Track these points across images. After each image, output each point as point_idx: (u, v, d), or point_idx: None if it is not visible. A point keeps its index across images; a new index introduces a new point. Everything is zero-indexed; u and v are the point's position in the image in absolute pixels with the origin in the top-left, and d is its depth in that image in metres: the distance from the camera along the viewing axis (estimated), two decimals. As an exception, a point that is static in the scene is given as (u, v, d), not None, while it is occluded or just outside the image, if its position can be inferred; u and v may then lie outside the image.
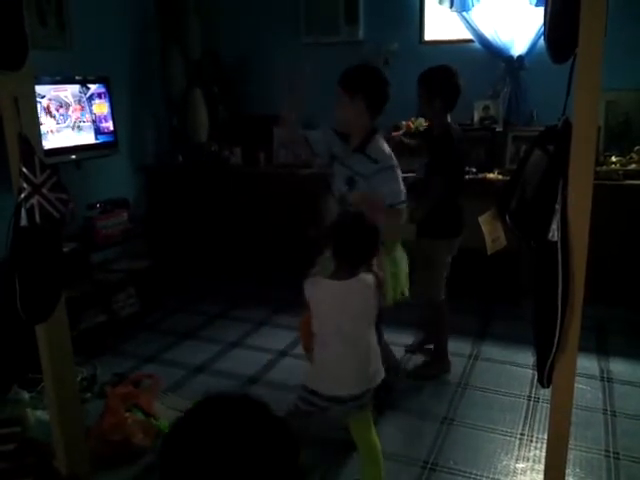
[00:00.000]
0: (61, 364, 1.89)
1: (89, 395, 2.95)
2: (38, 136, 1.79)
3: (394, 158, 2.52)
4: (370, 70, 2.57)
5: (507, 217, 1.40)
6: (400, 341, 3.42)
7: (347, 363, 1.99)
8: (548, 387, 1.37)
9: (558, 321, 1.24)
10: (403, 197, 2.51)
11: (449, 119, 2.95)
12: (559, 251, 1.23)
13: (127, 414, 2.57)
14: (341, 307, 1.98)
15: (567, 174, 1.25)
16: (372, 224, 1.99)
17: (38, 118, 1.81)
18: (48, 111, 3.45)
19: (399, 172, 2.53)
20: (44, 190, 1.68)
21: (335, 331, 1.98)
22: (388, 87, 2.52)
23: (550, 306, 1.26)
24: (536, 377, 1.47)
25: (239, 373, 3.18)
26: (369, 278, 2.00)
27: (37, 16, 3.52)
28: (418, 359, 3.32)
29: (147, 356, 3.40)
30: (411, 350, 3.40)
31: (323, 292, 2.00)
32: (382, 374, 2.09)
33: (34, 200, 1.66)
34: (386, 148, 2.53)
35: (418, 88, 2.91)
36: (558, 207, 1.24)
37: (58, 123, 3.53)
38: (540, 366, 1.36)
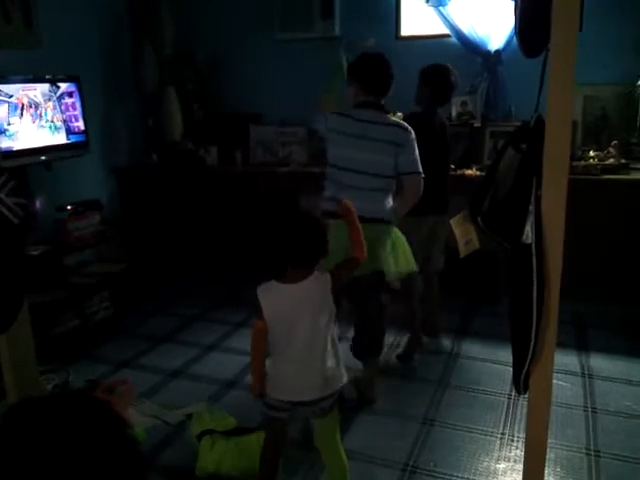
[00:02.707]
0: (25, 376, 1.82)
1: (61, 403, 2.87)
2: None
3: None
4: (363, 56, 2.79)
5: (479, 219, 1.35)
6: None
7: (305, 368, 1.93)
8: (524, 394, 1.33)
9: (533, 327, 1.20)
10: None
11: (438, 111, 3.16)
12: (534, 255, 1.18)
13: (100, 422, 2.50)
14: (300, 310, 1.90)
15: (541, 174, 1.21)
16: (319, 221, 1.92)
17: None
18: (22, 110, 3.36)
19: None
20: (1, 195, 1.60)
21: (294, 336, 1.90)
22: (379, 67, 2.73)
23: (525, 312, 1.22)
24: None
25: (217, 377, 3.12)
26: (324, 275, 1.92)
27: (1, 12, 3.41)
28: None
29: (122, 361, 3.32)
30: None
31: (280, 297, 1.91)
32: (344, 377, 2.02)
33: (-9, 205, 1.59)
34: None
35: (418, 81, 3.16)
36: (532, 208, 1.20)
37: (27, 123, 3.43)
38: (516, 373, 1.31)
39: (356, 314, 2.88)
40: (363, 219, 2.58)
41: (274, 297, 1.91)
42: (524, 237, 1.20)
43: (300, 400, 1.97)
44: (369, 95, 2.70)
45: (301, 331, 1.90)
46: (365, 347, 2.88)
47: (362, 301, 2.81)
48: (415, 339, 3.30)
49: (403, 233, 2.89)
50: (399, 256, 2.73)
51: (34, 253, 3.29)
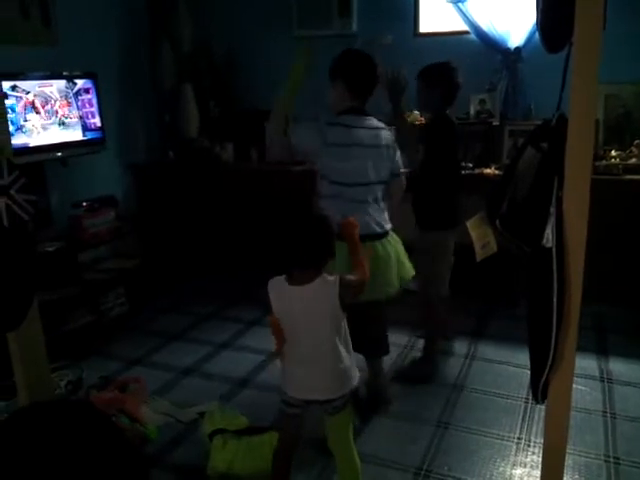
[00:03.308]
0: (36, 374, 1.81)
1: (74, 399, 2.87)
2: (6, 135, 1.69)
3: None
4: (349, 54, 2.60)
5: (497, 221, 1.29)
6: (396, 341, 3.35)
7: (314, 370, 1.91)
8: (542, 403, 1.28)
9: (553, 335, 1.15)
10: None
11: (447, 113, 2.95)
12: (554, 259, 1.13)
13: (112, 420, 2.49)
14: (306, 312, 1.86)
15: (562, 174, 1.15)
16: (326, 222, 1.86)
17: (6, 116, 1.72)
18: (34, 107, 3.37)
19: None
20: (12, 192, 1.59)
21: (300, 337, 1.88)
22: (367, 68, 2.54)
23: (544, 319, 1.16)
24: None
25: (229, 375, 3.10)
26: (332, 278, 1.87)
27: (19, 9, 3.42)
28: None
29: (135, 358, 3.32)
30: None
31: (287, 297, 1.88)
32: (356, 377, 1.99)
33: (1, 202, 1.57)
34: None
35: (418, 82, 2.91)
36: (553, 210, 1.14)
37: (44, 120, 3.44)
38: (534, 381, 1.26)
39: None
40: (377, 235, 2.55)
41: (281, 295, 1.88)
42: (544, 240, 1.15)
43: (312, 399, 1.95)
44: (355, 99, 2.52)
45: (308, 333, 1.87)
46: (370, 348, 2.82)
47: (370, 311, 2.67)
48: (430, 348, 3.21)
49: (431, 249, 2.86)
50: (405, 260, 2.67)
51: (49, 249, 3.29)
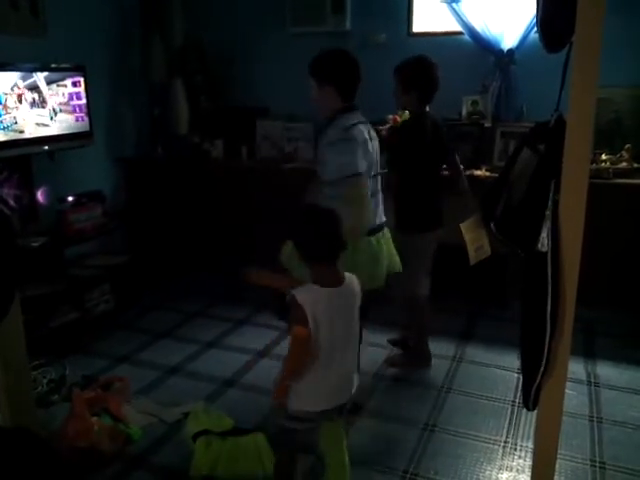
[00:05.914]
0: (15, 371, 1.76)
1: (56, 397, 2.82)
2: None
3: (349, 132, 2.37)
4: (337, 55, 2.46)
5: (492, 224, 1.27)
6: (380, 341, 3.34)
7: (345, 372, 1.90)
8: (534, 410, 1.26)
9: (546, 342, 1.13)
10: (355, 170, 2.34)
11: (427, 110, 2.93)
12: (549, 264, 1.10)
13: (94, 419, 2.45)
14: (345, 313, 1.85)
15: (559, 176, 1.13)
16: (333, 213, 1.83)
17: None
18: (20, 99, 3.30)
19: (352, 145, 2.36)
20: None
21: (338, 340, 1.83)
22: (356, 70, 2.45)
23: (538, 324, 1.14)
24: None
25: (215, 375, 3.06)
26: (354, 278, 1.89)
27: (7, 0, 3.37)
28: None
29: (120, 356, 3.27)
30: (393, 342, 3.33)
31: (327, 300, 1.79)
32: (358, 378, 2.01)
33: (-18, 195, 1.53)
34: (345, 123, 2.40)
35: (394, 79, 2.88)
36: (549, 213, 1.12)
37: (31, 112, 3.37)
38: (526, 388, 1.24)
39: None
40: (382, 226, 2.58)
41: (319, 300, 1.78)
42: (539, 245, 1.12)
43: (333, 406, 1.89)
44: (346, 100, 2.45)
45: (344, 335, 1.85)
46: None
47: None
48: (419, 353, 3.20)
49: (408, 251, 2.80)
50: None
51: (34, 244, 3.24)
